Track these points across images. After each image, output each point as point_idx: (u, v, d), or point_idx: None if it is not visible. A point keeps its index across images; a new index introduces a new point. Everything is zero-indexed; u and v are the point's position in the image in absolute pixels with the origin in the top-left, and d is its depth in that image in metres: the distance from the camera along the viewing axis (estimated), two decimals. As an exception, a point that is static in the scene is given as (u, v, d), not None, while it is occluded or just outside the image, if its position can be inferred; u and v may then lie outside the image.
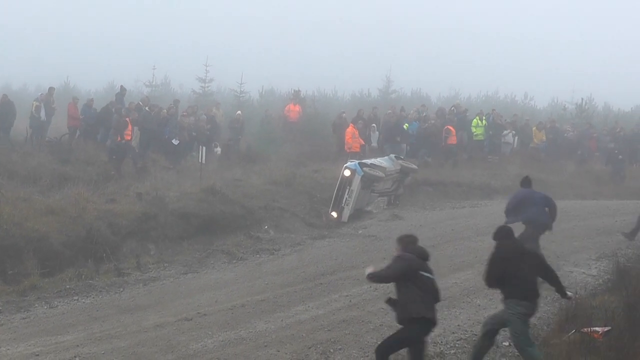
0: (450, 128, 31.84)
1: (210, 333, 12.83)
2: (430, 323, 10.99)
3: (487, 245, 19.29)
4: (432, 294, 11.04)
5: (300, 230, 21.67)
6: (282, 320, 13.77)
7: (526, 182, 17.89)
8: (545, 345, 12.72)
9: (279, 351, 12.10)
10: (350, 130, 29.72)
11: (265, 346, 12.32)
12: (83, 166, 25.51)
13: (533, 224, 17.41)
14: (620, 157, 32.77)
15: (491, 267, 11.90)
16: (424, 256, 11.26)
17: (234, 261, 18.88)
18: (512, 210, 17.63)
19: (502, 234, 12.34)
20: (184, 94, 43.80)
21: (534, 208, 17.51)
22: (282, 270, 17.74)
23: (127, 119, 27.22)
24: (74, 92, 37.86)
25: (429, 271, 11.11)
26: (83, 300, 15.34)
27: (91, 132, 29.30)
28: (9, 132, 28.62)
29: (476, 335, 13.67)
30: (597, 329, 12.72)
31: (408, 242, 11.47)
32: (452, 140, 31.65)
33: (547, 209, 17.75)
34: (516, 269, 11.61)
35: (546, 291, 16.34)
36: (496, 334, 12.04)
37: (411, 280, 10.84)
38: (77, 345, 11.91)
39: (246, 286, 16.28)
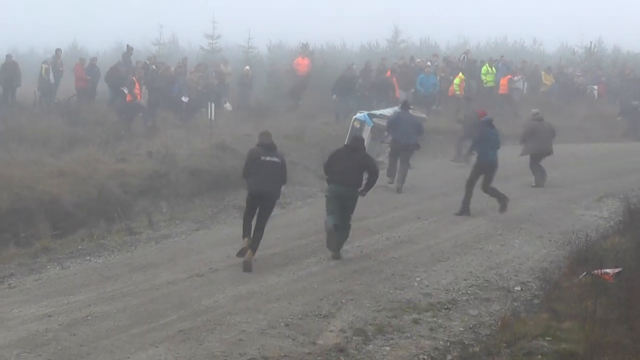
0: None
1: (222, 288, 12.87)
2: (262, 195, 14.32)
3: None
4: (271, 174, 14.29)
5: (311, 183, 21.72)
6: (293, 273, 13.82)
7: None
8: (557, 288, 12.77)
9: (290, 303, 12.15)
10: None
11: (277, 299, 12.36)
12: (93, 127, 25.65)
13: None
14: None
15: (327, 160, 15.47)
16: (267, 145, 14.52)
17: (246, 216, 18.94)
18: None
19: (353, 139, 16.87)
20: (192, 51, 43.61)
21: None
22: (293, 223, 17.82)
23: (134, 77, 27.23)
24: (81, 54, 37.87)
25: (275, 156, 14.44)
26: (95, 260, 15.40)
27: (99, 92, 29.38)
28: (15, 94, 28.63)
29: (488, 280, 13.84)
30: (608, 270, 12.77)
31: (260, 136, 14.96)
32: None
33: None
34: (340, 162, 14.86)
35: (557, 235, 16.61)
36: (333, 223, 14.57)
37: (253, 165, 14.36)
38: (89, 305, 11.96)
39: (257, 240, 16.30)
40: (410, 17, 51.93)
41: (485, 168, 18.54)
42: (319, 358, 10.22)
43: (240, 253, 14.27)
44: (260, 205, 14.41)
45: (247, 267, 13.85)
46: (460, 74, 31.60)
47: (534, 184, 21.27)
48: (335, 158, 15.15)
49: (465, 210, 18.27)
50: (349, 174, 14.76)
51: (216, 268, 14.06)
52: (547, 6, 71.04)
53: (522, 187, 19.29)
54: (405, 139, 20.59)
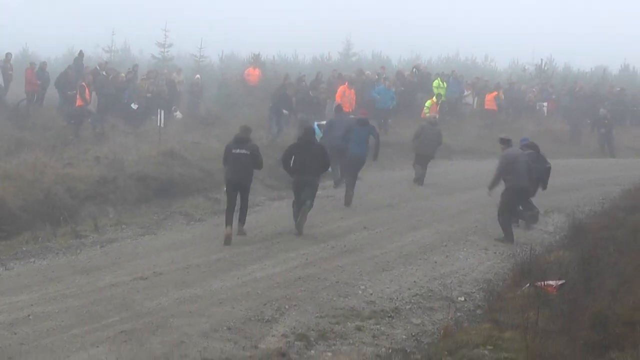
0: None
1: (165, 291, 12.84)
2: (235, 183, 16.81)
3: (445, 204, 19.65)
4: (243, 165, 16.69)
5: (259, 191, 21.64)
6: (237, 279, 13.83)
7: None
8: (500, 299, 12.89)
9: (233, 308, 12.16)
10: (342, 89, 29.67)
11: (220, 303, 12.37)
12: (41, 131, 25.47)
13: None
14: (607, 120, 32.67)
15: (285, 153, 17.76)
16: (239, 139, 16.91)
17: (192, 222, 18.92)
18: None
19: (304, 132, 18.23)
20: (143, 59, 43.44)
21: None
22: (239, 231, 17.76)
23: (84, 83, 27.05)
24: (32, 59, 37.45)
25: (244, 148, 16.69)
26: (39, 262, 15.24)
27: (48, 97, 29.12)
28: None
29: (432, 290, 13.94)
30: (551, 282, 12.92)
31: (239, 130, 17.31)
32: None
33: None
34: (300, 156, 17.25)
35: (502, 247, 16.79)
36: (302, 203, 17.21)
37: (228, 157, 16.87)
38: (31, 305, 11.86)
39: (203, 247, 16.30)
40: (363, 31, 52.39)
41: (353, 161, 20.43)
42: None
43: (226, 241, 16.27)
44: (237, 190, 16.86)
45: (228, 241, 16.20)
46: (434, 97, 31.62)
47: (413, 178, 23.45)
48: (294, 153, 17.52)
49: (338, 182, 21.55)
50: (309, 165, 17.22)
51: (160, 272, 14.04)
52: (499, 23, 72.05)
53: (469, 201, 19.44)
54: (335, 141, 20.76)
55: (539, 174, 18.43)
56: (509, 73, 44.94)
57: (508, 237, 17.36)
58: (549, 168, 18.95)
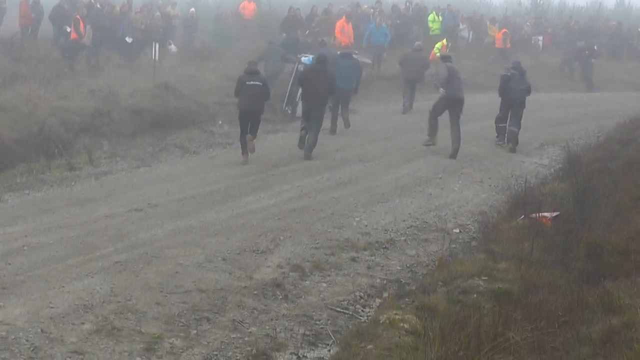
0: None
1: (160, 222, 12.84)
2: (249, 112, 17.80)
3: (440, 136, 19.57)
4: (256, 95, 17.67)
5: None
6: (232, 210, 13.83)
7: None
8: (495, 231, 12.92)
9: (228, 239, 12.17)
10: (340, 24, 29.35)
11: (215, 234, 12.38)
12: (35, 64, 25.14)
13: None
14: (587, 52, 32.64)
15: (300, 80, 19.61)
16: (250, 72, 17.99)
17: (187, 155, 18.90)
18: None
19: (318, 59, 19.74)
20: (138, -9, 42.88)
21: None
22: (234, 162, 17.76)
23: (78, 16, 26.74)
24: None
25: (256, 80, 17.78)
26: (33, 194, 15.21)
27: (43, 30, 28.83)
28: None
29: (427, 222, 13.96)
30: (545, 214, 12.95)
31: (247, 64, 18.58)
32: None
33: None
34: (309, 81, 18.57)
35: (497, 180, 16.78)
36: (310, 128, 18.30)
37: (241, 88, 17.76)
38: (26, 236, 11.86)
39: (198, 178, 16.28)
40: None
41: (340, 94, 20.56)
42: (255, 292, 10.26)
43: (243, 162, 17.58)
44: (249, 120, 17.82)
45: (251, 148, 17.74)
46: (444, 40, 31.16)
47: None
48: (307, 80, 18.85)
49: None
50: (319, 93, 18.29)
51: (155, 203, 14.04)
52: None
53: (464, 133, 19.33)
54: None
55: (521, 93, 20.01)
56: (504, 7, 44.58)
57: (431, 132, 19.32)
58: (529, 87, 20.41)
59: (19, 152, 17.87)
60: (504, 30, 33.83)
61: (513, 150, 19.62)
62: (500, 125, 20.26)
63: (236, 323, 9.25)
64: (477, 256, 11.73)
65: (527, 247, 11.25)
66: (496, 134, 20.42)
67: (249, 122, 17.84)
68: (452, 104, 19.02)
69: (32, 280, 9.97)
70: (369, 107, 24.62)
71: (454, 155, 18.53)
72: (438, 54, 29.01)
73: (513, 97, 19.81)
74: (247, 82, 17.70)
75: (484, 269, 10.79)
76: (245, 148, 17.75)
